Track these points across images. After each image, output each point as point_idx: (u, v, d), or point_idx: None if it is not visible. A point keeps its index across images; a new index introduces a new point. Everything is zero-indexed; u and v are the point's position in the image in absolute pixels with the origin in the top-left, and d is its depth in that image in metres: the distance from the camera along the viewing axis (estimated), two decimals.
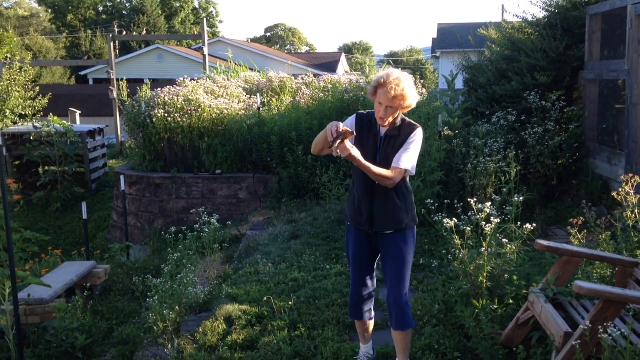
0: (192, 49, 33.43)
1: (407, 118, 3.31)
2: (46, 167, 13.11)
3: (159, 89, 9.93)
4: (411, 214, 3.33)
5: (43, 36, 42.96)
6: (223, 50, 19.22)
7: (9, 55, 17.15)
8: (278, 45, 61.96)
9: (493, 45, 9.04)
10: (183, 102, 9.45)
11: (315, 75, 11.66)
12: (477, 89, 8.45)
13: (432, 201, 4.62)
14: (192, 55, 29.62)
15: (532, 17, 8.32)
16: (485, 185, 6.35)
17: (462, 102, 8.40)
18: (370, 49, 67.47)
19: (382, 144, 3.25)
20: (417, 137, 3.23)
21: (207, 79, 11.03)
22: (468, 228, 3.81)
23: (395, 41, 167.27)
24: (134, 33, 40.79)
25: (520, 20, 8.55)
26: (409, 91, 3.12)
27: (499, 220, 3.76)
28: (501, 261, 3.91)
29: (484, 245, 3.73)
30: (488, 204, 3.74)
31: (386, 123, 3.20)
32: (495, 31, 9.38)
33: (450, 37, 29.32)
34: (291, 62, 18.27)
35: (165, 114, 9.30)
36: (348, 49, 62.08)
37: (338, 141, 2.91)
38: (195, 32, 28.21)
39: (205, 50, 16.92)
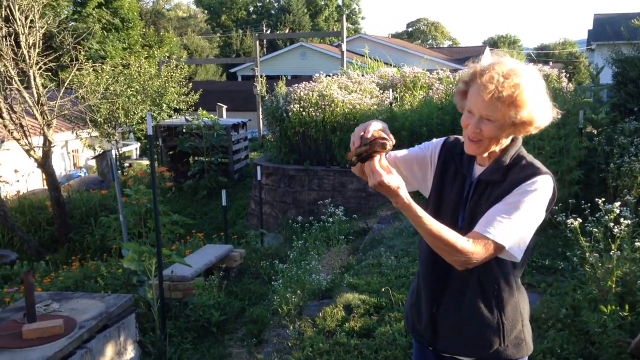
0: (334, 46, 34.21)
1: (527, 155, 1.89)
2: (195, 158, 14.23)
3: (296, 85, 10.35)
4: (514, 337, 1.92)
5: (199, 36, 46.34)
6: (363, 47, 19.49)
7: (168, 54, 18.76)
8: (420, 41, 61.26)
9: None
10: (317, 98, 9.77)
11: (453, 70, 11.46)
12: (627, 83, 7.81)
13: (571, 201, 4.38)
14: (332, 52, 30.29)
15: None
16: (630, 187, 5.88)
17: (610, 98, 7.81)
18: (518, 42, 64.35)
19: (471, 193, 1.90)
20: (536, 191, 1.78)
21: (342, 75, 11.28)
22: (595, 229, 3.59)
23: (546, 33, 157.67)
24: (278, 32, 42.54)
25: None
26: (530, 94, 1.73)
27: (629, 222, 3.50)
28: (636, 267, 3.64)
29: (613, 248, 3.50)
30: (617, 204, 3.49)
31: (480, 152, 1.85)
32: None
33: (607, 29, 27.13)
34: (430, 57, 18.08)
35: (301, 109, 9.68)
36: (493, 43, 59.76)
37: (363, 151, 1.67)
38: (336, 30, 28.82)
39: (344, 46, 17.26)
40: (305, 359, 3.93)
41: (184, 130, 13.84)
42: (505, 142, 1.86)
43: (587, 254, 3.73)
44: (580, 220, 3.63)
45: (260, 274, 6.74)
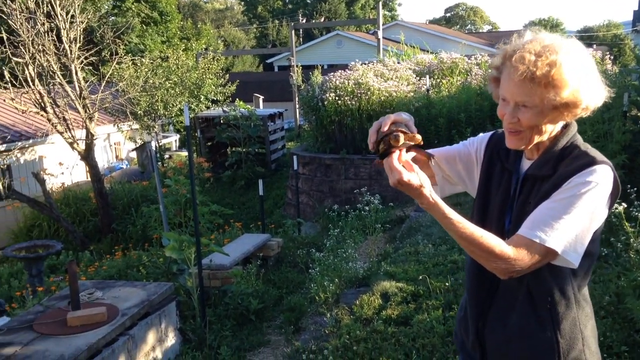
0: (370, 33, 33.94)
1: (582, 143, 1.65)
2: (233, 148, 14.37)
3: (331, 74, 10.32)
4: (573, 359, 1.65)
5: (236, 28, 46.67)
6: (399, 34, 19.29)
7: (205, 46, 18.94)
8: (458, 26, 60.25)
9: None
10: (353, 86, 9.73)
11: (492, 55, 11.24)
12: None
13: None
14: (368, 39, 30.08)
15: None
16: None
17: None
18: (560, 25, 62.55)
19: (518, 191, 1.69)
20: (590, 184, 1.53)
21: (378, 63, 11.19)
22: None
23: (590, 15, 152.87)
24: (314, 21, 42.48)
25: None
26: (570, 71, 1.50)
27: None
28: None
29: None
30: None
31: (522, 145, 1.63)
32: None
33: None
34: (468, 43, 17.78)
35: (336, 98, 9.66)
36: (534, 26, 58.23)
37: (380, 147, 1.55)
38: (372, 17, 28.58)
39: (380, 34, 17.10)
40: (342, 347, 3.94)
41: (221, 122, 13.98)
42: (554, 129, 1.62)
43: (632, 239, 3.62)
44: (625, 205, 3.52)
45: (298, 263, 6.78)
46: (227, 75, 17.40)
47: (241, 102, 13.98)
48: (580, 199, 1.51)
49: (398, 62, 11.30)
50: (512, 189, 1.70)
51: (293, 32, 19.86)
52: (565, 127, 1.64)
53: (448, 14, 64.82)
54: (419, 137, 1.55)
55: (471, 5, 64.99)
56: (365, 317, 4.32)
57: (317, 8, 49.89)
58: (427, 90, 9.57)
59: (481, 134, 1.89)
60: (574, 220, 1.51)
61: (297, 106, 18.32)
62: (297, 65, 16.66)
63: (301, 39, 41.92)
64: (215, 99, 16.25)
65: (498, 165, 1.76)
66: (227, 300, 5.48)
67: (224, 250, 5.88)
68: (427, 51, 13.31)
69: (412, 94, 9.59)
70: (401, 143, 1.50)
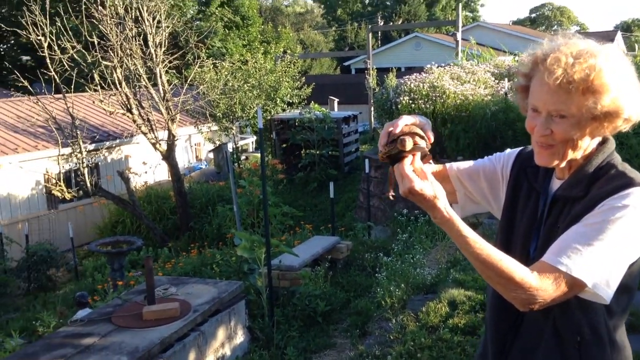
0: (449, 35, 33.37)
1: (620, 162, 1.47)
2: (307, 150, 14.54)
3: (406, 76, 10.24)
4: None
5: (315, 31, 47.18)
6: (481, 36, 18.85)
7: (283, 49, 19.28)
8: (544, 27, 58.09)
9: None
10: (428, 89, 9.60)
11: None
12: None
13: None
14: (448, 41, 29.57)
15: None
16: None
17: None
18: None
19: (546, 214, 1.52)
20: (627, 208, 1.34)
21: (455, 66, 10.99)
22: None
23: None
24: (392, 23, 42.26)
25: None
26: (612, 76, 1.34)
27: None
28: None
29: None
30: None
31: (554, 162, 1.45)
32: None
33: None
34: None
35: (410, 101, 9.57)
36: (627, 27, 55.29)
37: (389, 150, 1.38)
38: (452, 19, 28.10)
39: (459, 36, 16.78)
40: (407, 353, 3.92)
41: (296, 124, 14.18)
42: (590, 145, 1.44)
43: None
44: None
45: (366, 267, 6.77)
46: (304, 78, 17.63)
47: (316, 105, 14.13)
48: (614, 225, 1.33)
49: (477, 65, 11.05)
50: (540, 212, 1.52)
51: (370, 34, 19.85)
52: (602, 143, 1.48)
53: (533, 15, 62.64)
54: (425, 139, 1.40)
55: (558, 5, 62.49)
56: (431, 325, 4.27)
57: (396, 10, 49.58)
58: (506, 93, 9.30)
59: (509, 150, 1.72)
60: (606, 248, 1.32)
61: (372, 109, 18.30)
62: (372, 68, 16.63)
63: (379, 42, 41.81)
64: (291, 101, 16.50)
65: (525, 185, 1.58)
66: (295, 301, 5.56)
67: (293, 252, 5.97)
68: (507, 52, 12.92)
69: (489, 97, 9.35)
70: (409, 148, 1.34)
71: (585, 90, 1.33)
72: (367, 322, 5.26)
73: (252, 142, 18.74)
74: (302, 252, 6.43)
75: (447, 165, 1.71)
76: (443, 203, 1.33)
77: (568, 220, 1.41)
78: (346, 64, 36.44)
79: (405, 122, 1.38)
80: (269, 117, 15.15)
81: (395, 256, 5.50)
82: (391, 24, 41.52)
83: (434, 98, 9.44)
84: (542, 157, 1.45)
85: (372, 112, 17.63)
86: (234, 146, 15.28)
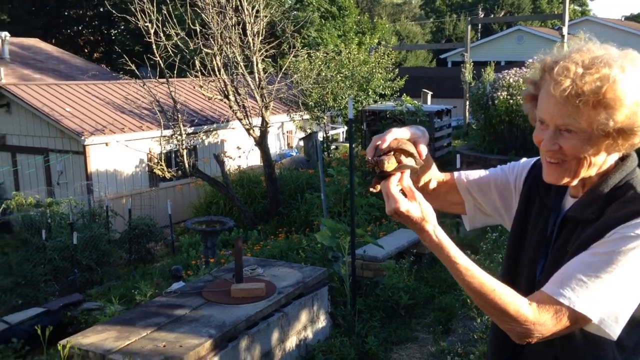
0: (555, 29, 31.83)
1: (639, 182, 1.31)
2: None
3: (505, 71, 9.91)
4: None
5: (412, 22, 46.54)
6: (589, 31, 17.81)
7: (377, 40, 19.17)
8: None
9: None
10: None
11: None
12: None
13: None
14: (553, 36, 28.24)
15: None
16: None
17: None
18: None
19: (555, 235, 1.38)
20: (638, 239, 1.21)
21: None
22: None
23: None
24: (493, 16, 40.87)
25: None
26: (627, 89, 1.20)
27: None
28: None
29: None
30: None
31: (563, 179, 1.32)
32: None
33: None
34: None
35: (508, 97, 9.26)
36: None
37: (373, 165, 1.26)
38: (558, 12, 26.78)
39: (565, 30, 15.99)
40: None
41: (387, 116, 14.11)
42: (606, 161, 1.29)
43: None
44: None
45: None
46: (397, 70, 17.47)
47: (408, 97, 13.97)
48: (625, 257, 1.19)
49: None
50: (549, 231, 1.39)
51: (469, 27, 19.35)
52: (623, 159, 1.32)
53: None
54: (420, 161, 1.28)
55: None
56: None
57: (498, 2, 47.89)
58: None
59: (524, 159, 1.58)
60: (616, 281, 1.19)
61: (467, 103, 17.87)
62: (470, 62, 16.21)
63: (479, 34, 40.61)
64: (383, 93, 16.41)
65: (538, 200, 1.45)
66: (378, 291, 5.58)
67: (378, 243, 5.98)
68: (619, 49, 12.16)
69: None
70: (391, 169, 1.22)
71: (596, 104, 1.20)
72: (451, 319, 5.20)
73: (343, 132, 18.84)
74: (387, 243, 6.43)
75: (455, 174, 1.61)
76: (432, 226, 1.23)
77: (577, 245, 1.28)
78: (442, 56, 35.73)
79: (394, 136, 1.27)
80: (360, 108, 15.15)
81: (483, 255, 5.37)
82: (492, 16, 40.13)
83: None
84: (550, 174, 1.33)
85: (467, 107, 17.20)
86: (325, 135, 15.42)
